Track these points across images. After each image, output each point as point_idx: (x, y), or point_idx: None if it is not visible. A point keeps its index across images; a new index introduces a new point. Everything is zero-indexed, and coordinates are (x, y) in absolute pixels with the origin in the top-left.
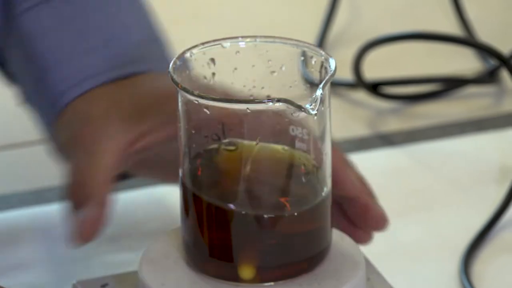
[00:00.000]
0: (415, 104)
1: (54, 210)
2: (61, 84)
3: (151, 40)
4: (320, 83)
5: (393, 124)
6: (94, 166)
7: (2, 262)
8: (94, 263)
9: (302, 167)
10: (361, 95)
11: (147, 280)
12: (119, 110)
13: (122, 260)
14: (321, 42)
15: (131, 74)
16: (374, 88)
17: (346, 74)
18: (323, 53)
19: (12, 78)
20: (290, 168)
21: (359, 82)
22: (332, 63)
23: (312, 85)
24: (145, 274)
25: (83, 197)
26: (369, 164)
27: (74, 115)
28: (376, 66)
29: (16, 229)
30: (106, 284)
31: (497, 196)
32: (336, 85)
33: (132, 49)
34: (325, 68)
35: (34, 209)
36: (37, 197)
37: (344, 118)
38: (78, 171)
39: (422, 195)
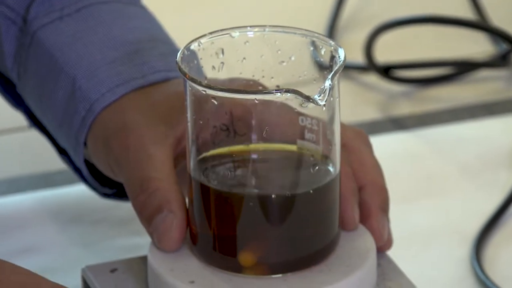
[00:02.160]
0: (426, 87)
1: (63, 194)
2: (92, 92)
3: (172, 50)
4: (329, 73)
5: (404, 108)
6: (159, 174)
7: (11, 246)
8: (103, 247)
9: (311, 158)
10: (373, 78)
11: (156, 265)
12: (154, 115)
13: (131, 245)
14: (332, 25)
15: (160, 80)
16: (386, 71)
17: (357, 57)
18: (332, 43)
19: (20, 100)
20: (297, 156)
21: (371, 65)
22: (342, 53)
23: (322, 74)
24: (154, 260)
25: (157, 206)
26: (380, 148)
27: (111, 122)
28: (388, 50)
29: (25, 212)
30: (115, 269)
31: (508, 181)
32: (348, 68)
33: (157, 57)
34: (334, 58)
35: (43, 193)
36: (46, 180)
37: (355, 102)
38: (146, 183)
39: (433, 179)
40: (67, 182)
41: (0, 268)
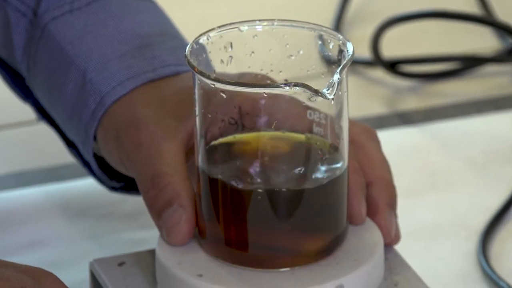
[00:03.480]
0: (432, 82)
1: (69, 188)
2: (103, 85)
3: (181, 44)
4: (338, 67)
5: (410, 103)
6: (169, 169)
7: (18, 240)
8: (110, 241)
9: (319, 151)
10: (379, 73)
11: (164, 259)
12: (164, 110)
13: (138, 239)
14: (339, 20)
15: (170, 74)
16: (392, 66)
17: (364, 52)
18: (340, 37)
19: (28, 93)
20: (306, 150)
21: (377, 60)
22: (350, 47)
23: (330, 68)
24: (163, 253)
25: (167, 200)
26: (386, 143)
27: (122, 116)
28: (394, 44)
29: (32, 206)
30: (123, 263)
31: None
32: (354, 63)
33: (167, 51)
34: (343, 52)
35: (50, 187)
36: (53, 174)
37: (362, 96)
38: (157, 178)
39: (439, 174)
40: (74, 176)
41: None
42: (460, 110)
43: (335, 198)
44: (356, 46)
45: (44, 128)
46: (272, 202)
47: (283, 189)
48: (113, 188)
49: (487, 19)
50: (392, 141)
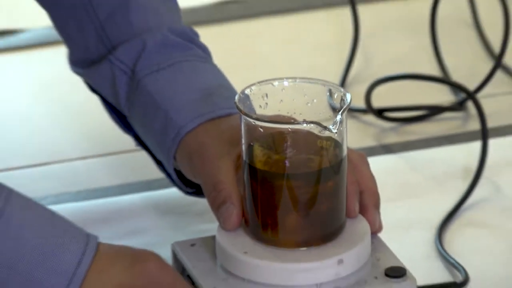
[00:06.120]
0: (407, 124)
1: (160, 194)
2: (180, 121)
3: (233, 94)
4: (340, 111)
5: (391, 138)
6: (224, 178)
7: (124, 229)
8: (186, 230)
9: (328, 164)
10: (371, 118)
11: (221, 241)
12: (223, 140)
13: (204, 228)
14: (344, 80)
15: (224, 115)
16: (379, 113)
17: (360, 102)
18: (342, 90)
19: (129, 127)
20: (318, 164)
21: (369, 109)
22: (348, 97)
23: (335, 112)
24: (220, 237)
25: (222, 200)
26: (374, 165)
27: (193, 142)
28: (381, 98)
29: (134, 207)
30: (194, 244)
31: (462, 188)
32: (352, 110)
33: (223, 99)
34: (343, 100)
35: (146, 194)
36: (148, 185)
37: (357, 134)
38: (216, 185)
39: (410, 187)
40: (162, 186)
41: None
42: (426, 144)
43: (337, 200)
44: (354, 98)
45: (142, 153)
46: (296, 203)
47: (303, 192)
48: (187, 193)
49: (445, 80)
50: (378, 164)
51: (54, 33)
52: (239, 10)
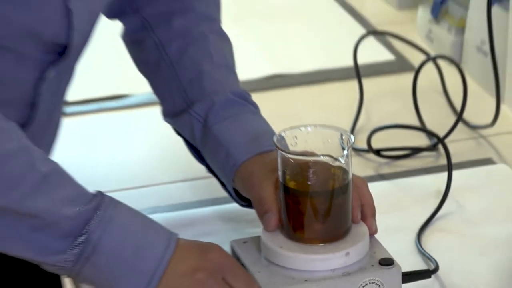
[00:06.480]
0: (397, 160)
1: (226, 208)
2: (236, 155)
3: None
4: (346, 148)
5: (386, 170)
6: (267, 195)
7: (198, 231)
8: (243, 232)
9: (339, 186)
10: (371, 156)
11: (265, 239)
12: (266, 168)
13: (254, 231)
14: (352, 129)
15: (268, 151)
16: (377, 152)
17: (363, 145)
18: (349, 133)
19: (203, 159)
20: (332, 184)
21: (370, 149)
22: (352, 138)
23: (343, 148)
24: (264, 236)
25: (265, 210)
26: (373, 189)
27: (245, 170)
28: (379, 141)
29: (208, 218)
30: (246, 241)
31: (434, 205)
32: (357, 150)
33: (266, 140)
34: (349, 140)
35: (216, 207)
36: (218, 201)
37: (361, 167)
38: (261, 200)
39: (399, 203)
40: (227, 202)
41: (210, 249)
42: (409, 174)
43: (345, 210)
44: (359, 141)
45: (212, 178)
46: (316, 213)
47: (321, 205)
48: (242, 205)
49: (423, 128)
50: (375, 187)
51: (153, 97)
52: (282, 82)
